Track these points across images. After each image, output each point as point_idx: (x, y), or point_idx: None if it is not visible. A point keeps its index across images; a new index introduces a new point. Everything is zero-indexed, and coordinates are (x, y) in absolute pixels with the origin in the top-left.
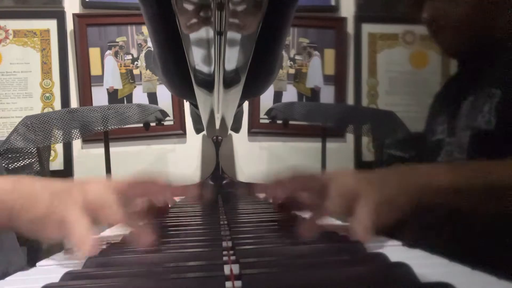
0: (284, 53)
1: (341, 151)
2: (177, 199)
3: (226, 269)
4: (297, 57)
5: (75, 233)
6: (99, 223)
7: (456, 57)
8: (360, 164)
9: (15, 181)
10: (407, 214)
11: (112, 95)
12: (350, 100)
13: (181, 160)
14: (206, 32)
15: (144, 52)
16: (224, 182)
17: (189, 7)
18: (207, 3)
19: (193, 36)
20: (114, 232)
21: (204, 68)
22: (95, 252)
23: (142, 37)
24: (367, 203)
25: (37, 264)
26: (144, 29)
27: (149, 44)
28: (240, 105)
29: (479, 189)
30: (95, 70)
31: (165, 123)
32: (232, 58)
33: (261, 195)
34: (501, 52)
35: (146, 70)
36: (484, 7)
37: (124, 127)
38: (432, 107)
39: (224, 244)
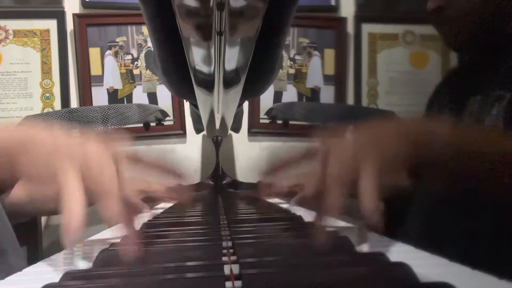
0: (284, 53)
1: None
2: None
3: (226, 269)
4: (297, 57)
5: (67, 209)
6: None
7: (460, 51)
8: None
9: (13, 129)
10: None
11: (112, 95)
12: (350, 100)
13: (181, 160)
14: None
15: (144, 52)
16: (224, 182)
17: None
18: (207, 24)
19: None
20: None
21: (204, 68)
22: (77, 240)
23: (142, 37)
24: (368, 174)
25: (37, 264)
26: (144, 29)
27: (149, 44)
28: (240, 105)
29: (489, 155)
30: (95, 70)
31: (165, 123)
32: (232, 58)
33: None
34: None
35: (146, 70)
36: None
37: (124, 127)
38: (431, 104)
39: (224, 244)
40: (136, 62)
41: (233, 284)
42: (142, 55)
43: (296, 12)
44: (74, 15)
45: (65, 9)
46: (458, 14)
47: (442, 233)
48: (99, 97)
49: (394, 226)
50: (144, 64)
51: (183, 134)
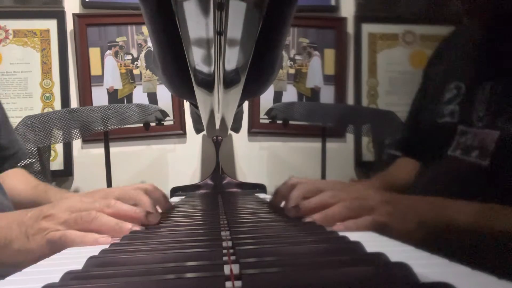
0: (284, 53)
1: (341, 151)
2: (177, 199)
3: (226, 269)
4: (297, 57)
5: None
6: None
7: (472, 17)
8: (360, 164)
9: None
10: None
11: (112, 95)
12: (350, 100)
13: (181, 160)
14: (206, 32)
15: (144, 52)
16: (224, 182)
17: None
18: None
19: (193, 36)
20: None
21: (204, 68)
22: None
23: (142, 37)
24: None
25: (37, 263)
26: (144, 29)
27: (149, 44)
28: (240, 105)
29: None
30: (95, 70)
31: (165, 123)
32: (232, 58)
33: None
34: None
35: (146, 70)
36: None
37: (124, 127)
38: (436, 60)
39: (224, 244)
40: (136, 62)
41: (233, 284)
42: (142, 55)
43: (296, 12)
44: (74, 15)
45: (65, 9)
46: None
47: None
48: (99, 97)
49: None
50: (144, 64)
51: (183, 134)
